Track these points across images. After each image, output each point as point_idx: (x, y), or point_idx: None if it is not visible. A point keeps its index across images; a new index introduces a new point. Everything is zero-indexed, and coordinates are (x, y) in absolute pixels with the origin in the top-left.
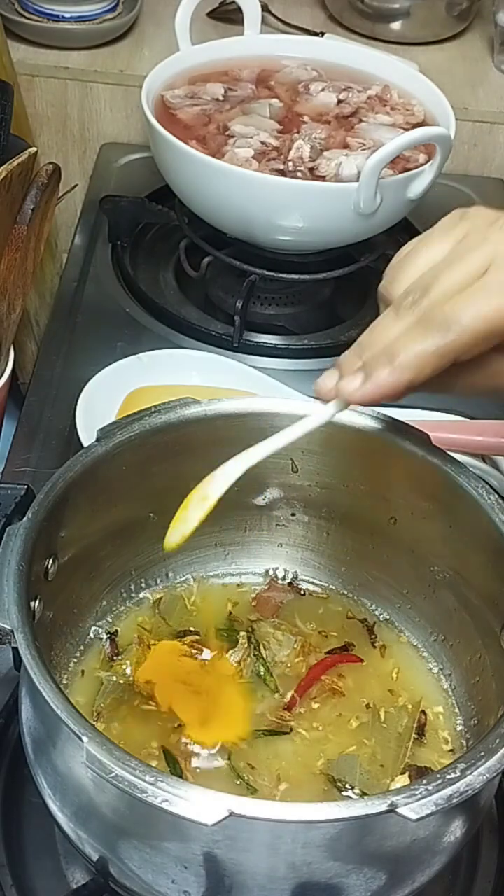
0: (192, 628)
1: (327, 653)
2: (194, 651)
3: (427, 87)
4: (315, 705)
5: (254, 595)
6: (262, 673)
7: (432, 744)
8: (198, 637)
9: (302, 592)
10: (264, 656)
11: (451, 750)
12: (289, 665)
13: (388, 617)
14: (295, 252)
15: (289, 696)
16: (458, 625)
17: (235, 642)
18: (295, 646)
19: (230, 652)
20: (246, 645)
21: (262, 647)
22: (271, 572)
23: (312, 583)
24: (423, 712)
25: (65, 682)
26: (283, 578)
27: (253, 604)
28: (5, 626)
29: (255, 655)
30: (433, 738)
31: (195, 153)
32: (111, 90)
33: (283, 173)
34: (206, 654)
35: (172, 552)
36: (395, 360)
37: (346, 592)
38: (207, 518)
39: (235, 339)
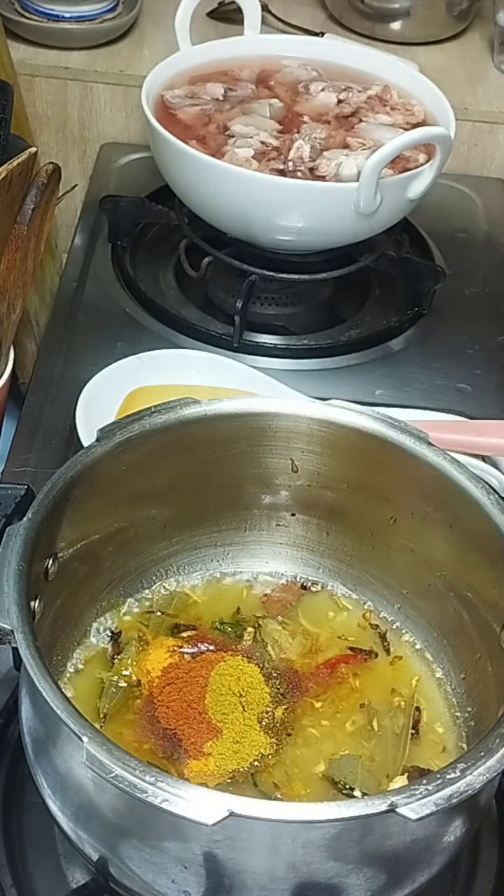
0: (191, 624)
1: (349, 648)
2: (191, 648)
3: (427, 87)
4: (318, 705)
5: (255, 593)
6: (265, 668)
7: (431, 745)
8: (195, 632)
9: (324, 592)
10: (271, 654)
11: (449, 750)
12: (297, 663)
13: (388, 617)
14: (295, 252)
15: (293, 694)
16: (458, 625)
17: (240, 637)
18: (305, 644)
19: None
20: (251, 641)
21: (269, 645)
22: (280, 574)
23: (312, 582)
24: (418, 709)
25: (65, 682)
26: (296, 579)
27: (263, 600)
28: (5, 626)
29: (261, 652)
30: (432, 738)
31: (195, 153)
32: (111, 90)
33: (283, 173)
34: (204, 647)
35: None
36: None
37: (347, 592)
38: (208, 518)
39: (235, 339)
